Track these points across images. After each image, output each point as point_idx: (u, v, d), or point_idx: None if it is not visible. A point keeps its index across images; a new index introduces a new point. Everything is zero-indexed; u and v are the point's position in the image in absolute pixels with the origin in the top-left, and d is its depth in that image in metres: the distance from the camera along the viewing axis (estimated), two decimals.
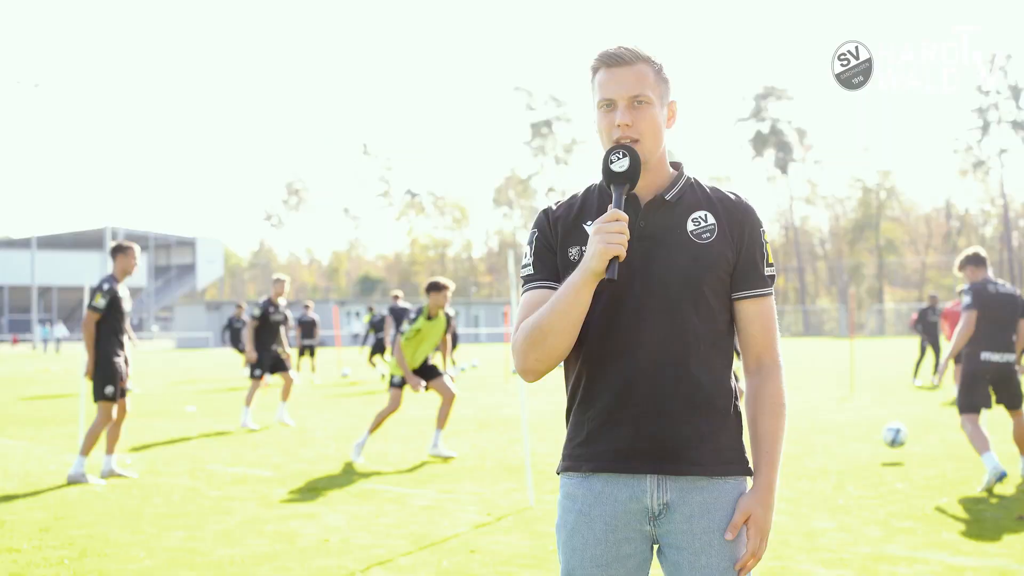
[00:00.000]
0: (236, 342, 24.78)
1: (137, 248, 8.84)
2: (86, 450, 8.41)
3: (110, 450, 8.67)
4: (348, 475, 8.73)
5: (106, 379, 8.42)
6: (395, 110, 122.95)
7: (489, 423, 12.80)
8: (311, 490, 7.97)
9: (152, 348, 54.14)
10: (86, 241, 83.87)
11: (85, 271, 46.68)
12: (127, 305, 8.69)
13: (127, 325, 8.74)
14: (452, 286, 10.08)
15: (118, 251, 8.69)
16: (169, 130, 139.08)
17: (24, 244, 79.12)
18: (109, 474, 8.57)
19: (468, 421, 13.07)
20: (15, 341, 59.96)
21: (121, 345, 8.57)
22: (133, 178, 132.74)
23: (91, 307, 8.40)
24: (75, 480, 8.29)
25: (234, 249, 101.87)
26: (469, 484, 8.23)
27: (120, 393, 8.52)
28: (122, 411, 8.66)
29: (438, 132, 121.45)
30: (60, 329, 53.37)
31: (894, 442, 9.41)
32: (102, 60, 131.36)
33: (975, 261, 8.42)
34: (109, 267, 8.81)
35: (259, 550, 5.93)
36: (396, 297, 20.42)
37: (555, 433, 11.53)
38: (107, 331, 8.47)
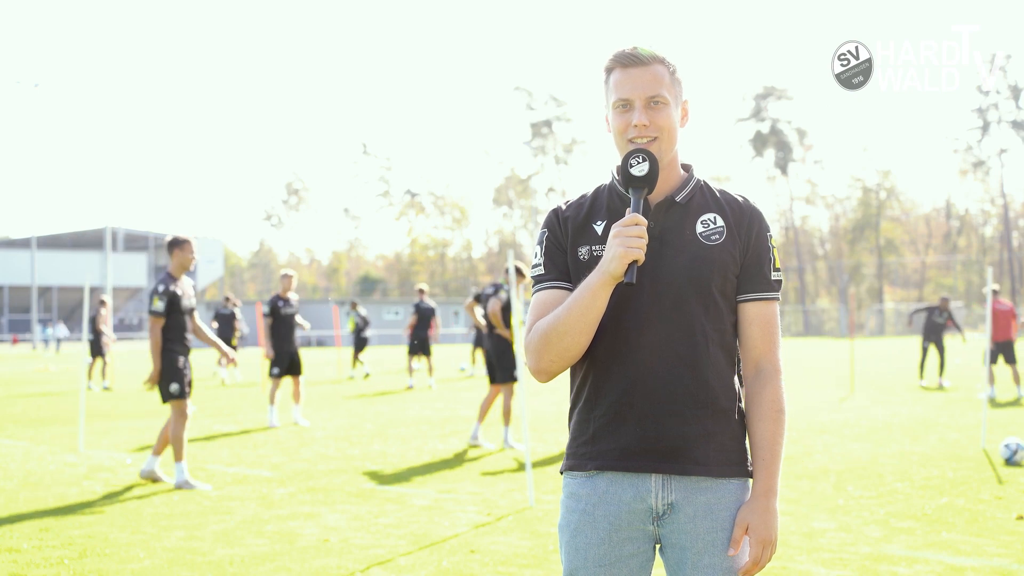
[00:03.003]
0: (223, 332, 24.29)
1: (194, 241, 8.41)
2: (179, 455, 8.08)
3: (158, 451, 8.31)
4: (348, 475, 8.73)
5: (169, 378, 8.09)
6: (395, 110, 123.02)
7: (489, 423, 12.79)
8: (311, 490, 7.97)
9: None
10: (86, 241, 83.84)
11: (85, 271, 46.66)
12: (190, 302, 8.32)
13: (197, 322, 8.44)
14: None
15: (174, 245, 8.25)
16: (169, 130, 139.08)
17: (24, 244, 79.09)
18: (149, 475, 8.25)
19: (468, 421, 13.06)
20: (15, 341, 59.94)
21: (184, 345, 8.17)
22: (133, 178, 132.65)
23: (152, 312, 8.03)
24: (181, 487, 8.00)
25: (234, 249, 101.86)
26: (469, 484, 8.23)
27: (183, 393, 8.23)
28: (181, 416, 8.24)
29: (438, 132, 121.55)
30: (60, 329, 53.32)
31: (1010, 461, 8.85)
32: (102, 60, 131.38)
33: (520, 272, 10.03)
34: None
35: (259, 550, 5.93)
36: (422, 292, 20.22)
37: (555, 433, 11.53)
38: (168, 332, 8.12)
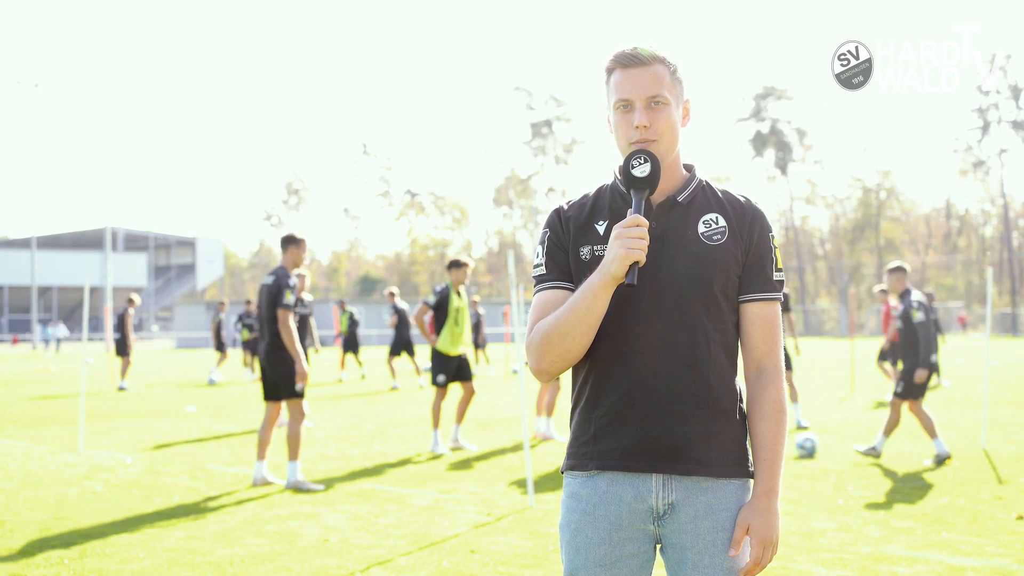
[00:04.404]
0: (220, 341, 23.88)
1: (306, 240, 8.45)
2: (294, 454, 8.03)
3: (261, 456, 8.20)
4: (348, 475, 8.73)
5: (295, 375, 8.06)
6: (395, 110, 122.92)
7: (489, 423, 12.80)
8: (311, 490, 7.96)
9: (152, 348, 54.13)
10: (86, 241, 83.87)
11: (85, 271, 46.65)
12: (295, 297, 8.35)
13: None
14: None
15: (291, 242, 8.26)
16: (169, 130, 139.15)
17: (24, 244, 79.09)
18: (295, 485, 8.02)
19: (468, 421, 13.05)
20: (15, 341, 59.93)
21: (303, 342, 8.20)
22: (133, 178, 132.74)
23: (284, 305, 8.02)
24: (295, 488, 7.92)
25: (234, 249, 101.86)
26: (469, 484, 8.23)
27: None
28: (300, 414, 8.15)
29: (438, 132, 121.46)
30: (60, 329, 53.31)
31: (810, 454, 9.43)
32: (102, 60, 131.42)
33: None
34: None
35: (259, 550, 5.93)
36: (392, 295, 20.12)
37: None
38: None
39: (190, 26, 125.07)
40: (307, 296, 13.32)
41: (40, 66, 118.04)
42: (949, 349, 33.83)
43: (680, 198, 2.34)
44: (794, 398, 12.05)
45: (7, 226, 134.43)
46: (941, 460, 8.99)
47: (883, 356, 15.99)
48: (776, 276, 2.37)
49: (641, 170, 2.22)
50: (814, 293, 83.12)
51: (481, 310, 24.88)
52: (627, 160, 2.24)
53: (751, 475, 2.33)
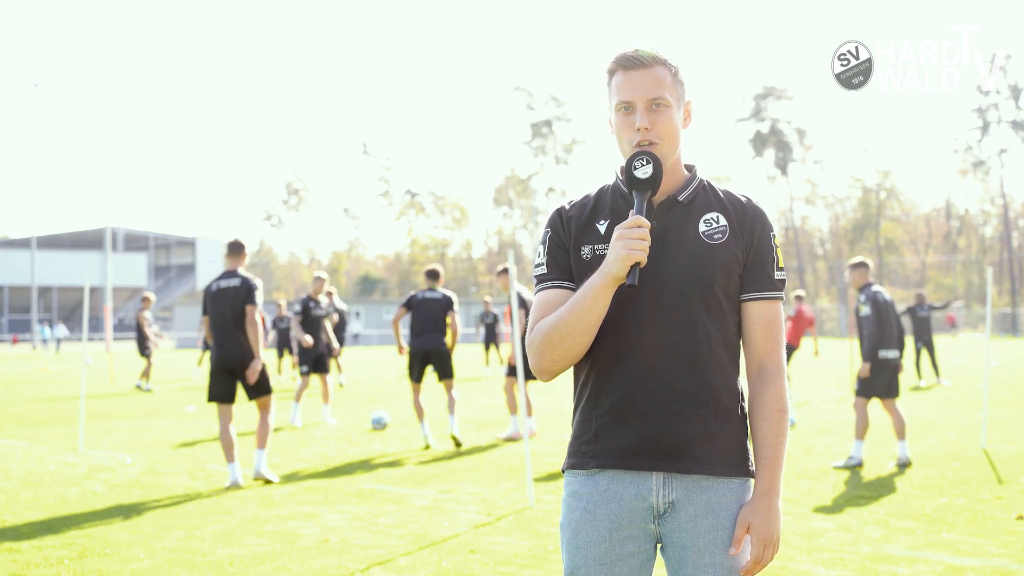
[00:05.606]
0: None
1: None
2: (263, 443, 8.34)
3: (231, 457, 8.30)
4: (348, 475, 8.73)
5: (269, 373, 8.41)
6: (395, 110, 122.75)
7: (489, 423, 12.80)
8: (311, 490, 7.97)
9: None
10: (86, 241, 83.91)
11: (85, 271, 46.64)
12: None
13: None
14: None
15: (243, 248, 8.57)
16: (169, 130, 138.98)
17: (24, 244, 79.11)
18: (234, 484, 8.17)
19: (468, 421, 13.06)
20: (15, 341, 59.93)
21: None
22: (133, 178, 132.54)
23: (257, 304, 8.30)
24: (259, 476, 8.26)
25: None
26: (469, 484, 8.23)
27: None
28: (270, 407, 8.50)
29: (438, 132, 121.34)
30: (60, 329, 53.30)
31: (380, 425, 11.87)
32: (102, 60, 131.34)
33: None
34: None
35: (259, 550, 5.93)
36: (330, 295, 19.57)
37: (555, 433, 11.53)
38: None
39: (190, 26, 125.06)
40: (323, 298, 13.65)
41: (40, 66, 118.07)
42: (947, 349, 33.85)
43: (681, 197, 2.35)
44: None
45: (7, 226, 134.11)
46: (851, 466, 8.87)
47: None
48: (777, 275, 2.37)
49: (643, 171, 2.22)
50: (814, 293, 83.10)
51: (496, 310, 24.86)
52: (629, 162, 2.24)
53: (752, 474, 2.34)
